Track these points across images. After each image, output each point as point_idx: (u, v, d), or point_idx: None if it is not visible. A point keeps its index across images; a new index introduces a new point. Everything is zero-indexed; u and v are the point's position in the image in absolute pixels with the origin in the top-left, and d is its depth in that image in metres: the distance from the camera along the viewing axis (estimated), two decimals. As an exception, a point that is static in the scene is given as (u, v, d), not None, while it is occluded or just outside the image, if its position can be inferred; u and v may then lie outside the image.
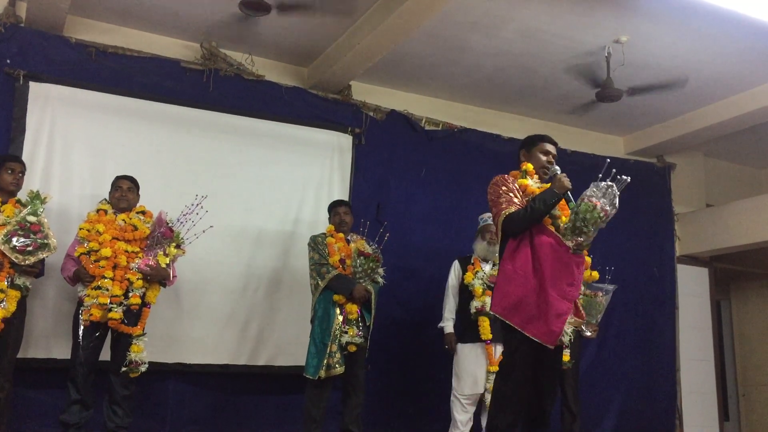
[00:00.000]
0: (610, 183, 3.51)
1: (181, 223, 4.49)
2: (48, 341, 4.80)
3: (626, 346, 7.25)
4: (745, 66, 6.02)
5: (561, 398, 5.49)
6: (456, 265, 5.37)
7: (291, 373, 5.39)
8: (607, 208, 3.48)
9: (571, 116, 7.30)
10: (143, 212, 4.61)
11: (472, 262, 5.28)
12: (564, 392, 5.45)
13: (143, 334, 4.41)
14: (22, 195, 4.35)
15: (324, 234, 5.02)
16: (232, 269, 5.49)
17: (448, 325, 5.25)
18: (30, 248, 4.08)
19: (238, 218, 5.55)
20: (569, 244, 3.57)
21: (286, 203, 5.81)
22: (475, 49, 5.88)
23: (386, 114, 6.48)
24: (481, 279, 5.15)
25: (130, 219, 4.50)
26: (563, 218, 3.68)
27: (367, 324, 4.87)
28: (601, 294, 5.40)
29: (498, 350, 5.05)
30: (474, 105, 7.09)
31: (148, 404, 5.09)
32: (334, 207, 5.17)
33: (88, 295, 4.25)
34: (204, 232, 4.54)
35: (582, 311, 3.81)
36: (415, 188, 6.42)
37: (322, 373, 4.65)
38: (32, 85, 5.09)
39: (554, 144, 3.98)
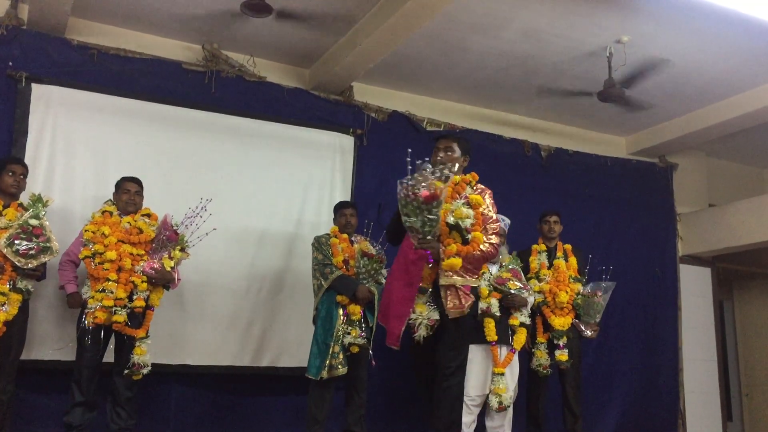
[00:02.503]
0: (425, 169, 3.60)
1: (186, 225, 4.49)
2: (52, 343, 4.79)
3: (628, 346, 7.25)
4: (747, 65, 6.01)
5: (562, 398, 5.48)
6: (462, 266, 5.36)
7: (294, 374, 5.38)
8: (412, 188, 3.56)
9: (573, 116, 7.30)
10: (148, 215, 4.61)
11: (479, 263, 5.27)
12: (565, 392, 5.45)
13: (147, 337, 4.41)
14: (25, 198, 4.36)
15: (328, 235, 5.02)
16: (234, 271, 5.49)
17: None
18: (32, 252, 4.09)
19: (240, 219, 5.55)
20: (414, 242, 3.68)
21: (288, 204, 5.81)
22: (477, 50, 5.88)
23: (388, 115, 6.49)
24: (487, 280, 5.14)
25: (136, 221, 4.50)
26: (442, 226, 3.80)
27: (370, 325, 4.86)
28: (599, 293, 5.40)
29: (503, 352, 5.05)
30: (476, 105, 7.09)
31: (151, 406, 5.10)
32: (340, 208, 5.16)
33: (93, 298, 4.25)
34: (207, 234, 4.54)
35: (459, 301, 3.82)
36: (417, 189, 6.41)
37: (325, 374, 4.65)
38: (34, 87, 5.10)
39: (442, 138, 4.17)
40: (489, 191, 4.04)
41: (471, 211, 3.85)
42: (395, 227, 3.88)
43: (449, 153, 4.03)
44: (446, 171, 3.62)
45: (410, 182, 3.55)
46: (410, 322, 3.85)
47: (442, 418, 3.89)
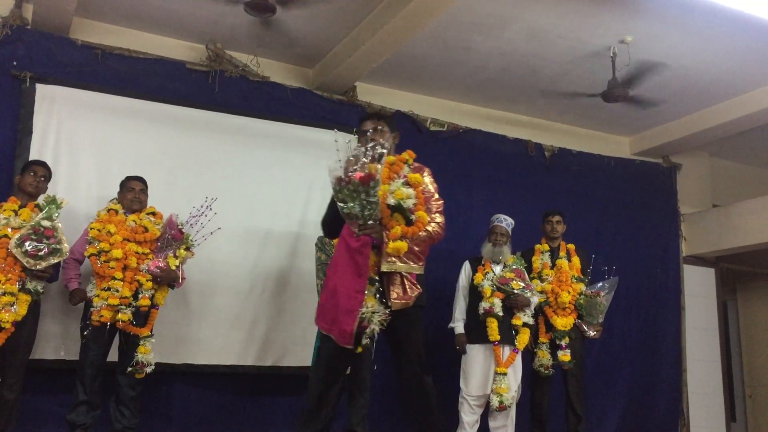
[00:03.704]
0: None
1: (191, 225, 4.50)
2: (56, 342, 4.80)
3: (630, 346, 7.24)
4: (751, 66, 6.00)
5: (565, 399, 5.48)
6: (466, 266, 5.36)
7: (298, 373, 5.39)
8: (340, 173, 3.36)
9: (576, 116, 7.30)
10: (153, 213, 4.63)
11: (483, 263, 5.27)
12: (568, 393, 5.44)
13: (151, 336, 4.43)
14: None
15: (331, 235, 5.01)
16: (238, 270, 5.49)
17: (458, 326, 5.23)
18: (42, 253, 4.08)
19: (244, 219, 5.55)
20: (354, 229, 3.39)
21: (292, 204, 5.80)
22: (480, 50, 5.88)
23: (391, 115, 6.48)
24: (491, 280, 5.14)
25: (141, 220, 4.52)
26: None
27: (373, 325, 4.84)
28: (602, 294, 5.39)
29: (506, 351, 5.05)
30: (479, 105, 7.09)
31: (155, 405, 5.10)
32: None
33: (98, 296, 4.26)
34: (212, 233, 4.55)
35: (409, 292, 3.56)
36: (420, 189, 6.41)
37: (328, 374, 4.64)
38: (39, 86, 5.11)
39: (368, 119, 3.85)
40: (428, 169, 3.74)
41: (412, 191, 3.57)
42: (332, 217, 3.59)
43: (379, 131, 3.72)
44: (378, 149, 3.34)
45: (341, 165, 3.31)
46: (361, 317, 3.44)
47: (437, 421, 3.73)
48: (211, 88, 5.76)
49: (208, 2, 5.28)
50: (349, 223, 3.42)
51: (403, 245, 3.44)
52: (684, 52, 5.80)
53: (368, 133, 3.56)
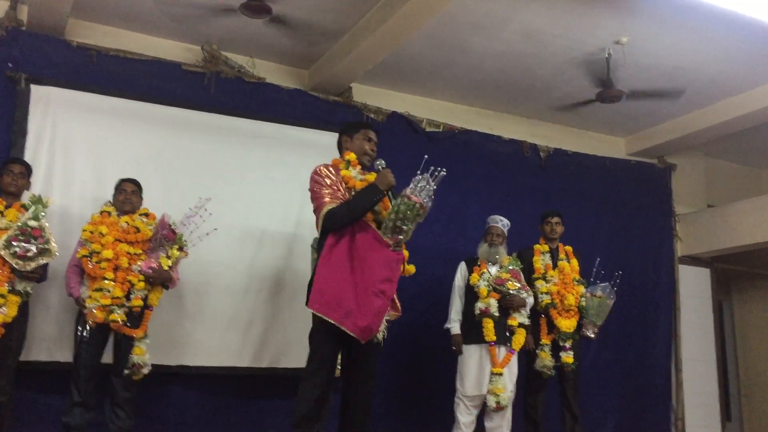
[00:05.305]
0: (426, 176, 3.55)
1: (184, 225, 4.49)
2: (51, 344, 4.79)
3: (625, 347, 7.25)
4: (746, 66, 6.02)
5: (562, 400, 5.48)
6: (462, 266, 5.36)
7: (294, 374, 5.36)
8: (425, 202, 3.53)
9: (572, 117, 7.31)
10: (146, 214, 4.62)
11: (479, 263, 5.28)
12: (565, 394, 5.45)
13: (145, 337, 4.41)
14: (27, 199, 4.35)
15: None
16: (234, 271, 5.49)
17: (454, 326, 5.23)
18: (30, 254, 4.06)
19: (240, 220, 5.55)
20: (389, 241, 3.59)
21: (288, 205, 5.79)
22: (476, 51, 5.89)
23: (387, 116, 6.49)
24: (487, 280, 5.14)
25: (133, 221, 4.51)
26: (384, 213, 3.67)
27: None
28: (608, 296, 5.40)
29: (502, 352, 5.06)
30: (475, 106, 7.10)
31: (150, 407, 5.09)
32: None
33: (90, 297, 4.25)
34: (207, 234, 4.55)
35: (398, 304, 3.86)
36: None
37: (325, 375, 4.64)
38: (33, 88, 5.09)
39: (377, 132, 3.98)
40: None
41: None
42: (360, 213, 3.61)
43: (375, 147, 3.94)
44: (430, 183, 3.57)
45: (421, 193, 3.53)
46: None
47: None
48: (207, 89, 5.75)
49: (203, 3, 5.27)
50: (390, 236, 3.58)
51: (413, 268, 3.81)
52: (679, 52, 5.81)
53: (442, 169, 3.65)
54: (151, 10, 5.39)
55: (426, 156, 3.59)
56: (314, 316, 3.64)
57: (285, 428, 5.47)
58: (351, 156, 3.83)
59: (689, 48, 5.73)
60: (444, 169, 3.57)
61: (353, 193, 3.70)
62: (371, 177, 3.76)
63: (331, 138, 6.01)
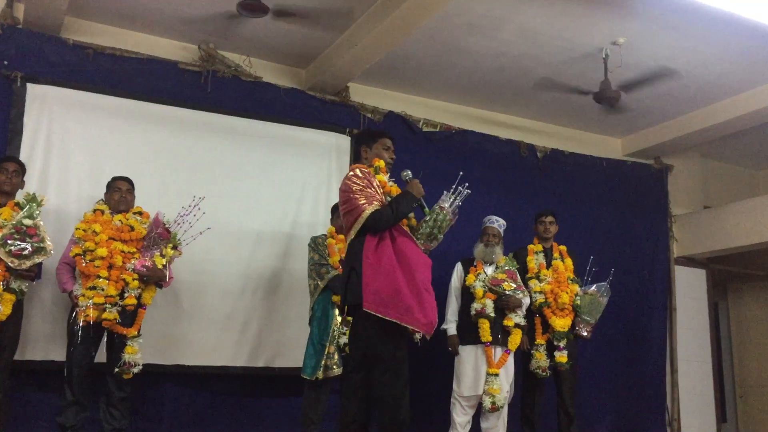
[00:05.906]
0: (454, 194, 3.87)
1: (179, 224, 4.48)
2: (45, 343, 4.78)
3: (620, 347, 7.26)
4: (742, 68, 6.03)
5: (557, 400, 5.48)
6: (458, 267, 5.36)
7: (289, 374, 5.37)
8: (454, 216, 3.85)
9: (569, 118, 7.32)
10: (140, 213, 4.60)
11: (475, 264, 5.27)
12: (561, 394, 5.45)
13: (138, 336, 4.39)
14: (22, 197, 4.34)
15: (324, 235, 5.01)
16: (230, 270, 5.48)
17: (451, 327, 5.23)
18: (26, 252, 4.04)
19: (236, 219, 5.54)
20: (421, 247, 3.80)
21: (285, 204, 5.80)
22: (473, 51, 5.89)
23: (384, 115, 6.48)
24: (483, 281, 5.14)
25: (127, 219, 4.49)
26: (413, 220, 3.90)
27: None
28: (601, 294, 5.40)
29: (498, 353, 5.06)
30: (472, 106, 7.10)
31: (145, 406, 5.09)
32: (337, 209, 5.14)
33: (84, 295, 4.23)
34: (201, 233, 4.53)
35: None
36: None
37: (320, 374, 4.65)
38: (29, 86, 5.08)
39: (392, 139, 4.08)
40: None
41: None
42: (402, 217, 3.75)
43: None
44: (457, 199, 3.88)
45: (451, 204, 3.84)
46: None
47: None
48: (204, 88, 5.74)
49: (200, 2, 5.27)
50: (423, 242, 3.84)
51: None
52: (676, 54, 5.82)
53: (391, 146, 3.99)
54: (147, 8, 5.38)
55: (461, 172, 3.90)
56: (369, 322, 3.57)
57: (280, 427, 5.49)
58: (380, 163, 3.91)
59: (686, 49, 5.74)
60: (468, 186, 3.88)
61: (388, 198, 3.79)
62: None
63: (327, 137, 6.11)
